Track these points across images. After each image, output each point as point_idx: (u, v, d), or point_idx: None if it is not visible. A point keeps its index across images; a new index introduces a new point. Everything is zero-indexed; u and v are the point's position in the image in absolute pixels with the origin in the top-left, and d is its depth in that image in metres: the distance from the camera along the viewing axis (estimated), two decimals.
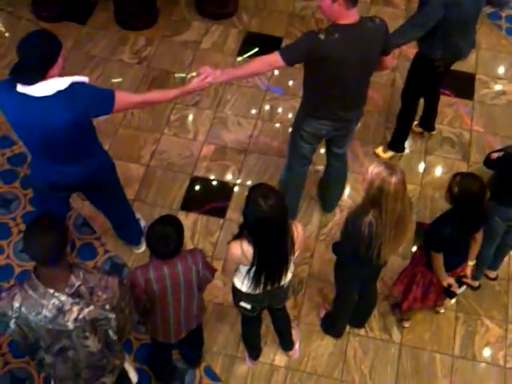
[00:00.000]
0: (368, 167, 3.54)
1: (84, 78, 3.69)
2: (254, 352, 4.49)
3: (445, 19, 4.44)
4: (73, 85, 3.59)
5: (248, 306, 3.95)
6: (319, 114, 4.30)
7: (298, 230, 3.59)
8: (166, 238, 3.46)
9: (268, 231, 3.40)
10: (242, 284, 3.76)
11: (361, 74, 4.12)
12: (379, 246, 3.63)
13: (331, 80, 4.05)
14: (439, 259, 3.98)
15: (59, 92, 3.55)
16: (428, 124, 5.60)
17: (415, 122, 5.58)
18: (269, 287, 3.70)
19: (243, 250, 3.49)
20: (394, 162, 5.35)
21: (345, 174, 4.98)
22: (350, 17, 3.86)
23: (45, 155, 3.89)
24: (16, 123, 3.73)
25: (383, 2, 6.69)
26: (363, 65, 4.03)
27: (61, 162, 3.89)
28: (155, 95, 4.22)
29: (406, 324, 4.66)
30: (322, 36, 3.84)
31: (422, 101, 5.33)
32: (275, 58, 3.99)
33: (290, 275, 3.78)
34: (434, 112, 5.52)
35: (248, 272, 3.60)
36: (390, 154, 5.51)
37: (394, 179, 3.42)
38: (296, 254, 3.63)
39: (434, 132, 5.65)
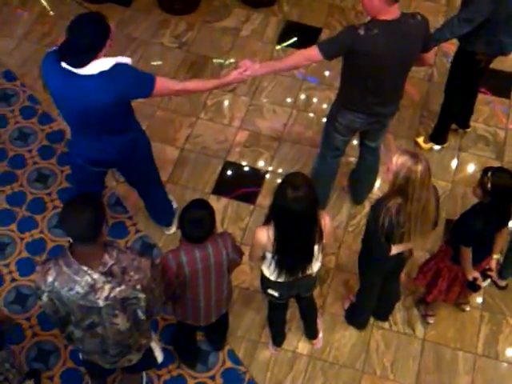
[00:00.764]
0: (392, 157, 3.54)
1: (127, 60, 3.76)
2: (279, 338, 4.53)
3: (492, 15, 4.41)
4: (116, 66, 3.66)
5: (276, 294, 3.99)
6: (354, 107, 4.31)
7: (325, 221, 3.62)
8: (199, 222, 3.50)
9: (290, 221, 3.44)
10: (269, 271, 3.81)
11: (399, 71, 4.12)
12: (401, 236, 3.66)
13: (368, 75, 4.05)
14: (468, 253, 3.98)
15: (102, 72, 3.62)
16: (463, 121, 5.57)
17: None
18: (293, 276, 3.74)
19: (269, 236, 3.53)
20: (429, 155, 5.33)
21: (376, 167, 4.98)
22: (391, 13, 3.84)
23: (82, 130, 3.98)
24: (57, 97, 3.82)
25: None
26: (402, 61, 4.03)
27: (98, 138, 3.98)
28: (194, 84, 4.29)
29: (431, 320, 4.67)
30: (361, 31, 3.84)
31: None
32: (314, 52, 4.00)
33: (318, 264, 3.81)
34: (470, 109, 5.48)
35: (273, 259, 3.65)
36: (430, 145, 5.52)
37: (419, 167, 3.42)
38: (324, 242, 3.67)
39: (468, 129, 5.63)
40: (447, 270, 4.21)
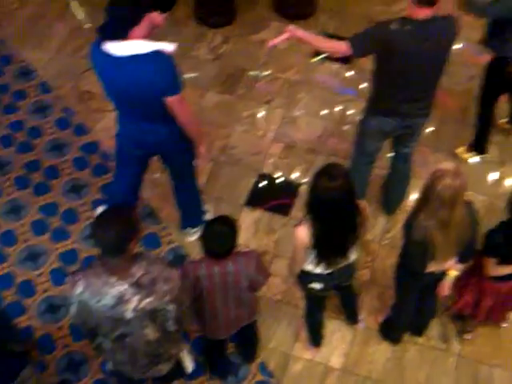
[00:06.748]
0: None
1: (170, 47, 3.74)
2: (317, 338, 4.50)
3: None
4: (156, 53, 3.67)
5: (318, 286, 3.97)
6: (385, 108, 4.32)
7: (364, 206, 3.67)
8: (220, 238, 3.50)
9: (325, 211, 3.44)
10: (310, 265, 3.79)
11: (428, 70, 4.10)
12: (434, 252, 3.56)
13: (399, 71, 4.07)
14: (490, 263, 3.95)
15: (137, 56, 3.64)
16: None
17: (504, 120, 5.53)
18: (332, 267, 3.76)
19: (310, 231, 3.54)
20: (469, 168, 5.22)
21: (407, 175, 4.91)
22: (422, 13, 3.88)
23: (125, 111, 4.05)
24: (101, 77, 3.89)
25: None
26: (431, 60, 4.04)
27: (138, 122, 4.03)
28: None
29: (468, 336, 4.55)
30: (393, 26, 3.90)
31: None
32: (345, 48, 4.00)
33: (354, 252, 3.82)
34: None
35: (313, 251, 3.64)
36: (471, 154, 5.44)
37: (447, 181, 3.26)
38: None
39: None
40: (476, 282, 4.16)
